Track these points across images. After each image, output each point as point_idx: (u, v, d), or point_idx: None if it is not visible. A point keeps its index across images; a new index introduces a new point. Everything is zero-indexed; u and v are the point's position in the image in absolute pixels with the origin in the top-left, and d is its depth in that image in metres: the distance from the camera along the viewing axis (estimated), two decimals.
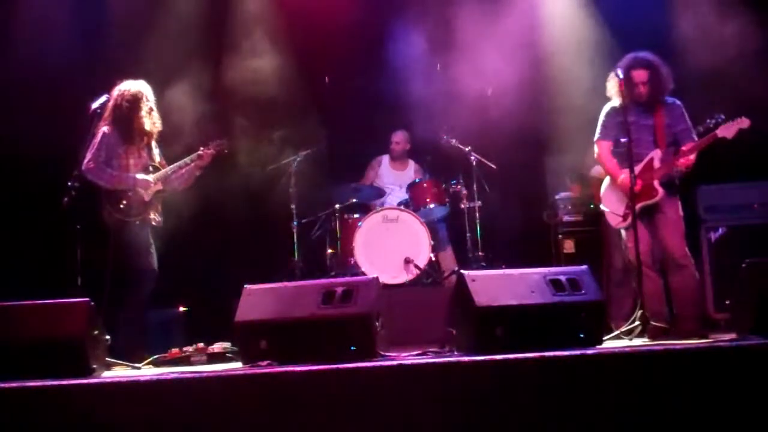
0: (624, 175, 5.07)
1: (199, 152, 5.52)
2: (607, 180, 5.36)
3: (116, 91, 5.40)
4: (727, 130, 4.93)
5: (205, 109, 6.50)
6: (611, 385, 3.20)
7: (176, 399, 3.28)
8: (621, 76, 4.97)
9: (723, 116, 5.17)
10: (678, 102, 5.26)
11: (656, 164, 5.08)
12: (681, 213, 5.13)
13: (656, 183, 5.05)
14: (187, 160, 5.51)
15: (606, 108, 5.34)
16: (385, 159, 7.53)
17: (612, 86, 5.22)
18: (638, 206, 4.95)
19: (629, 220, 4.98)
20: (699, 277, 5.09)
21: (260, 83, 7.06)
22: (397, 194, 7.22)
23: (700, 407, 3.14)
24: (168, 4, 7.06)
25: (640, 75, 5.11)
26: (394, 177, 7.45)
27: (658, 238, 5.08)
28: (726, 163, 5.90)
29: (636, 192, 4.89)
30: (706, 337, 4.48)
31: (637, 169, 5.00)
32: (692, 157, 5.03)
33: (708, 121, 5.26)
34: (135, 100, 5.37)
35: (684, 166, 5.05)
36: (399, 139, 7.43)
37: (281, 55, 7.24)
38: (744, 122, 4.90)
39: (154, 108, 5.47)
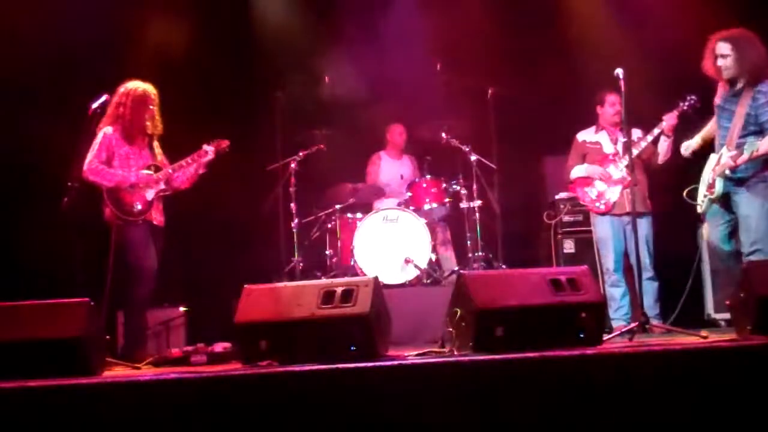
0: None
1: (201, 149, 5.50)
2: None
3: (122, 90, 5.37)
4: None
5: (204, 108, 6.50)
6: (611, 385, 3.20)
7: (176, 399, 3.28)
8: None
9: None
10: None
11: None
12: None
13: None
14: (188, 159, 5.50)
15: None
16: (383, 154, 7.61)
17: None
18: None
19: None
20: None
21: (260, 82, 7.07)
22: (397, 187, 7.27)
23: (700, 407, 3.14)
24: (167, 3, 7.06)
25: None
26: (394, 167, 7.53)
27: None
28: None
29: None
30: (706, 337, 4.47)
31: None
32: None
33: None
34: (140, 102, 5.34)
35: None
36: (401, 130, 7.54)
37: (281, 54, 7.24)
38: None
39: (158, 111, 5.45)
